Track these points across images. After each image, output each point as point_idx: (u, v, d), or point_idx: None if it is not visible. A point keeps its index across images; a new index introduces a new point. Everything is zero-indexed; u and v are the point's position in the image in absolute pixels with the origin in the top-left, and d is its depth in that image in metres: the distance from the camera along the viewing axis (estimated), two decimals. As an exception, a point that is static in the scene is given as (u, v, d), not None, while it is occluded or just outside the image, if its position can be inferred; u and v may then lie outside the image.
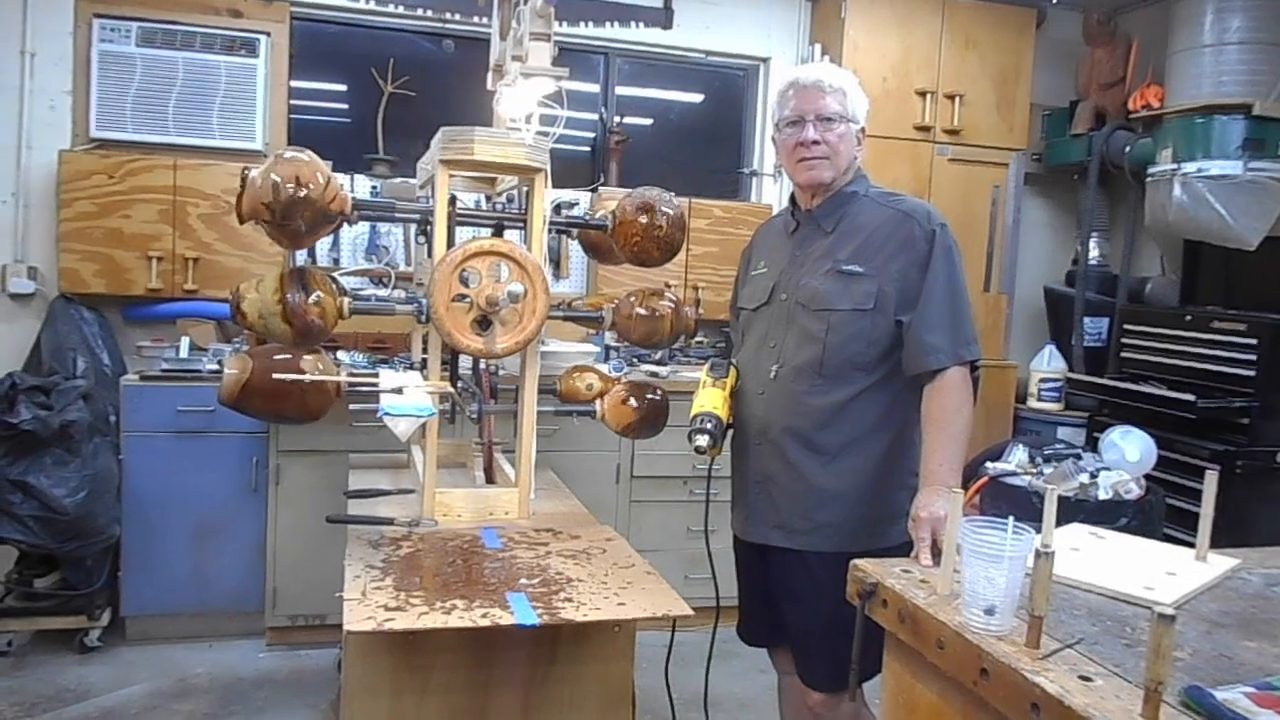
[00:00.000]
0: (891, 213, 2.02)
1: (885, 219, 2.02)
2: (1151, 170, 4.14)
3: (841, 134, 2.03)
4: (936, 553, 1.63)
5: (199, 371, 3.50)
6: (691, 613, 1.78)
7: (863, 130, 2.08)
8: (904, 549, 1.76)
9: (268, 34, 3.97)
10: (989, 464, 3.33)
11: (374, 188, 3.98)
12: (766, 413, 2.08)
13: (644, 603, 1.80)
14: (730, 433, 2.18)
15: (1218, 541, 1.66)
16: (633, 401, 2.48)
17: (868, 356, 1.98)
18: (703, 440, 2.03)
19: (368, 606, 1.68)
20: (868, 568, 1.52)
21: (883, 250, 1.98)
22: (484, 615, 1.67)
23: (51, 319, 3.67)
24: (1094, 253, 4.74)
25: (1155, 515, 3.16)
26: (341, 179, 2.22)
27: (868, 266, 1.98)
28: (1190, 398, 3.68)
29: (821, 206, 2.09)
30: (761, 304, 2.15)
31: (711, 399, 2.08)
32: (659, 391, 2.56)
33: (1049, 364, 4.50)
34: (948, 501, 1.75)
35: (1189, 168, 3.92)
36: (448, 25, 4.24)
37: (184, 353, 3.59)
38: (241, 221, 2.07)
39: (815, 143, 2.02)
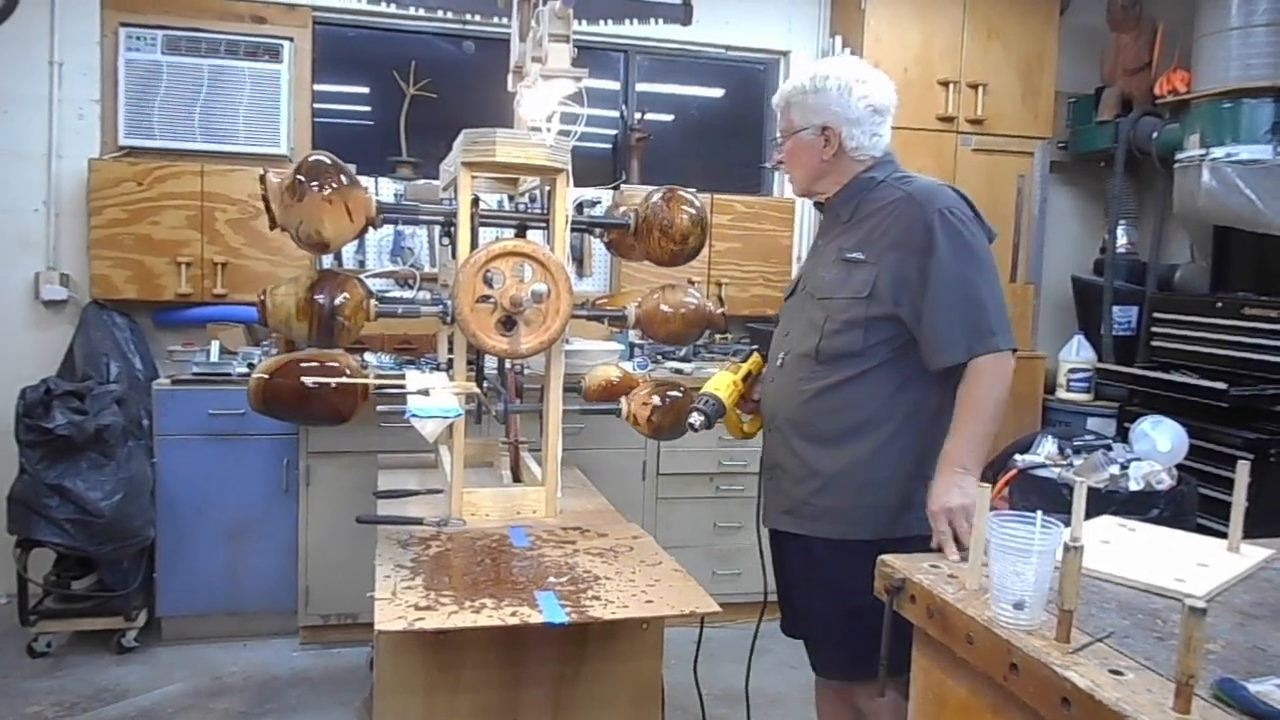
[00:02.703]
0: (898, 195, 1.97)
1: (892, 203, 1.97)
2: (1179, 156, 4.08)
3: (790, 149, 2.07)
4: (963, 545, 1.63)
5: (229, 375, 3.54)
6: (719, 609, 1.78)
7: (826, 128, 2.00)
8: (922, 541, 1.75)
9: (290, 39, 4.00)
10: (1018, 456, 3.30)
11: (398, 190, 4.01)
12: (773, 400, 2.11)
13: (672, 600, 1.81)
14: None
15: (1251, 532, 1.64)
16: (657, 400, 2.49)
17: (861, 344, 1.95)
18: (695, 419, 2.08)
19: (398, 606, 1.70)
20: (895, 563, 1.51)
21: (886, 236, 1.94)
22: (513, 614, 1.68)
23: (84, 325, 3.72)
24: (1122, 240, 4.68)
25: (1187, 506, 3.12)
26: (365, 181, 2.24)
27: (869, 253, 1.95)
28: (1222, 386, 3.64)
29: (839, 194, 2.07)
30: (789, 293, 2.19)
31: (718, 381, 2.14)
32: (683, 389, 2.56)
33: (1078, 354, 4.46)
34: (961, 490, 1.76)
35: (1218, 153, 3.86)
36: (468, 27, 4.26)
37: (214, 356, 3.63)
38: (273, 227, 2.10)
39: (779, 162, 2.11)
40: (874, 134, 2.03)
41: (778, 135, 2.12)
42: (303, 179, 2.05)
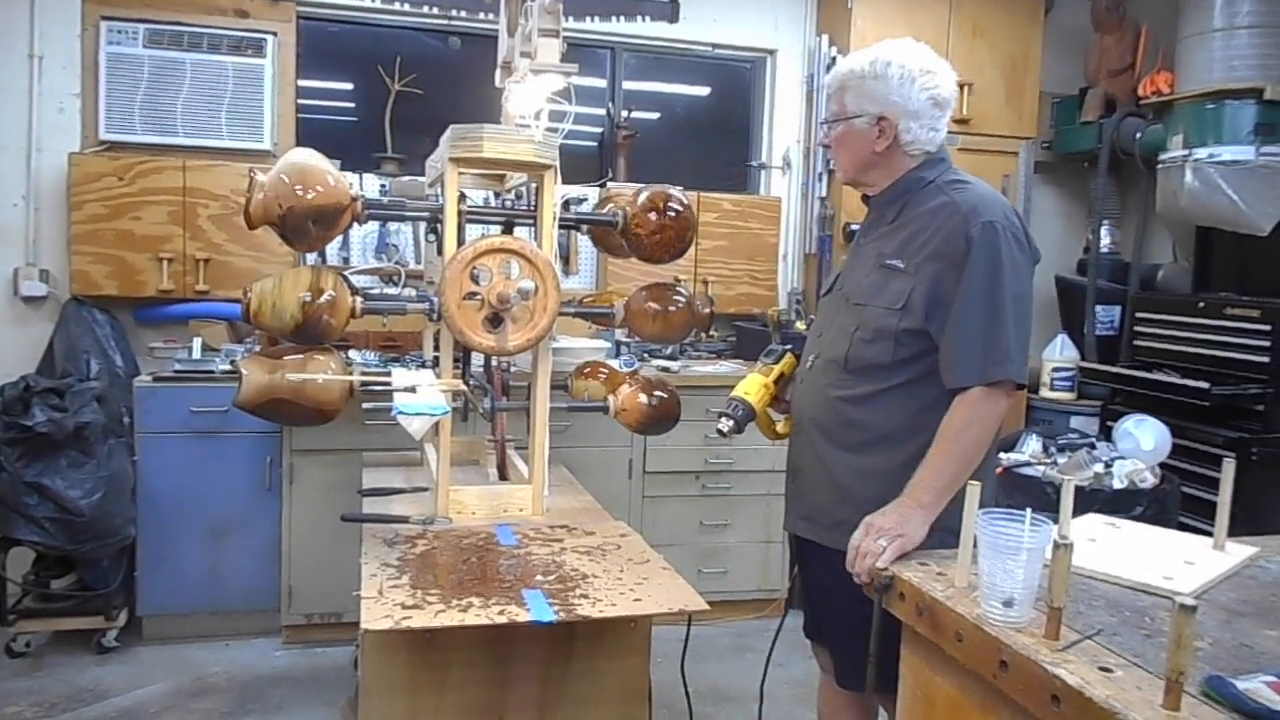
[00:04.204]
0: (944, 202, 1.85)
1: (936, 209, 1.85)
2: (1163, 157, 4.11)
3: (839, 135, 1.96)
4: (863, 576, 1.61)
5: (212, 372, 3.51)
6: (708, 608, 1.78)
7: (883, 119, 1.90)
8: None
9: (274, 34, 3.97)
10: (1002, 454, 3.32)
11: (383, 186, 3.98)
12: (801, 402, 2.04)
13: (660, 598, 1.81)
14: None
15: (1234, 530, 1.65)
16: (643, 398, 2.48)
17: (890, 357, 1.86)
18: (724, 425, 2.02)
19: (385, 605, 1.69)
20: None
21: (926, 246, 1.83)
22: (501, 612, 1.68)
23: (64, 321, 3.69)
24: (1105, 240, 4.70)
25: (1170, 504, 3.15)
26: (350, 178, 2.22)
27: (909, 263, 1.84)
28: (1204, 385, 3.66)
29: (885, 193, 1.97)
30: (826, 292, 2.11)
31: (749, 385, 2.07)
32: (670, 388, 2.55)
33: (1061, 353, 4.48)
34: (902, 521, 1.66)
35: (1200, 154, 3.89)
36: (454, 22, 4.24)
37: (196, 353, 3.60)
38: (252, 227, 2.08)
39: (826, 145, 2.04)
40: (932, 128, 1.92)
41: (827, 117, 2.01)
42: (289, 235, 2.07)
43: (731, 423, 2.02)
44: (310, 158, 2.10)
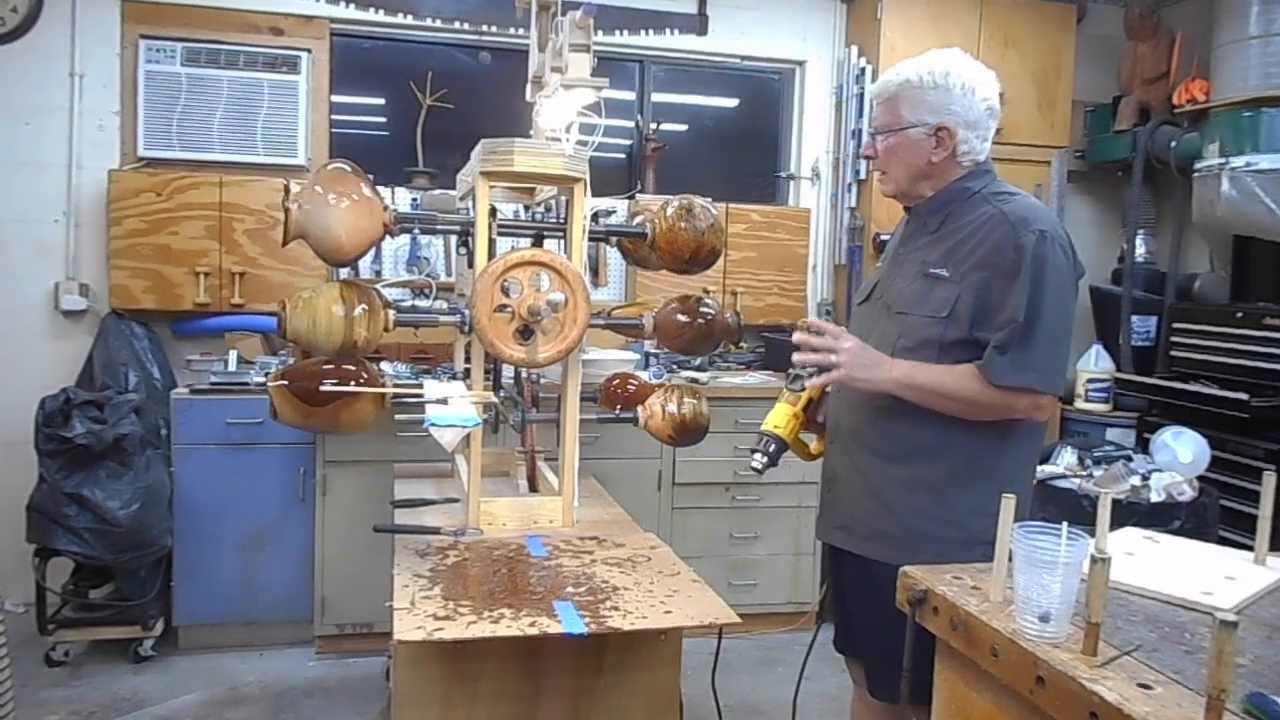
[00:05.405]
0: (991, 213, 1.84)
1: (984, 219, 1.85)
2: (1198, 165, 4.06)
3: (891, 146, 1.93)
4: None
5: (247, 384, 3.56)
6: (739, 620, 1.77)
7: (942, 129, 1.88)
8: None
9: (308, 51, 4.03)
10: (1037, 467, 3.28)
11: (414, 199, 4.02)
12: (837, 413, 2.02)
13: (691, 610, 1.80)
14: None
15: (1275, 544, 1.62)
16: (673, 409, 2.48)
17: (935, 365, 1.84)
18: (758, 461, 1.95)
19: (417, 616, 1.70)
20: (917, 574, 1.50)
21: (973, 254, 1.82)
22: (532, 624, 1.68)
23: (103, 335, 3.75)
24: (1140, 250, 4.66)
25: (1209, 517, 3.10)
26: (382, 191, 2.25)
27: (953, 271, 1.83)
28: (1243, 396, 3.61)
29: (929, 203, 1.95)
30: (862, 301, 2.09)
31: (778, 416, 1.99)
32: (700, 399, 2.55)
33: (1096, 364, 4.43)
34: (871, 362, 1.83)
35: (1237, 162, 3.84)
36: (484, 38, 4.27)
37: (232, 366, 3.65)
38: (285, 244, 2.11)
39: (869, 157, 2.01)
40: (984, 138, 1.92)
41: (877, 128, 1.97)
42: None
43: (764, 458, 1.95)
44: (342, 213, 2.07)
